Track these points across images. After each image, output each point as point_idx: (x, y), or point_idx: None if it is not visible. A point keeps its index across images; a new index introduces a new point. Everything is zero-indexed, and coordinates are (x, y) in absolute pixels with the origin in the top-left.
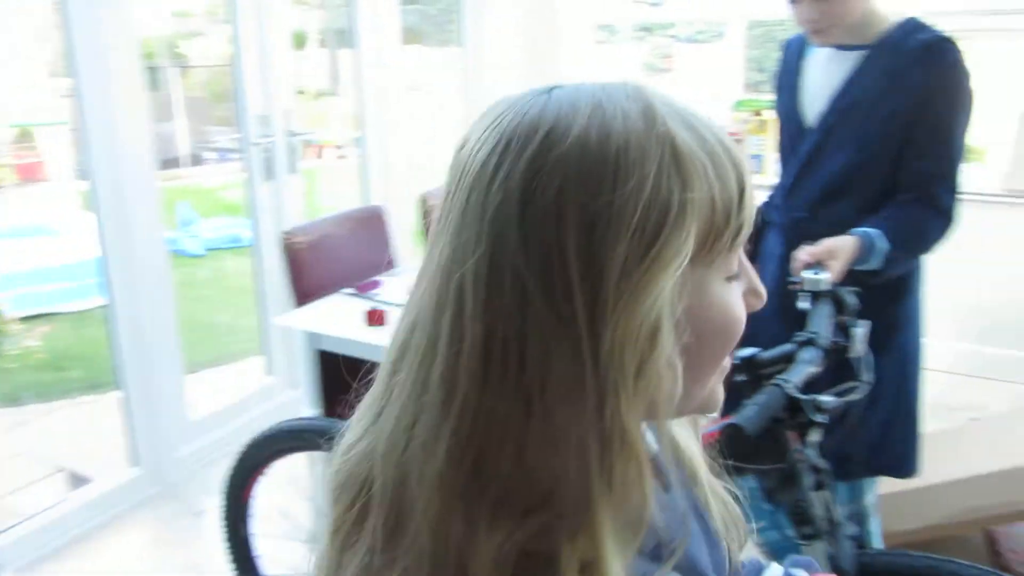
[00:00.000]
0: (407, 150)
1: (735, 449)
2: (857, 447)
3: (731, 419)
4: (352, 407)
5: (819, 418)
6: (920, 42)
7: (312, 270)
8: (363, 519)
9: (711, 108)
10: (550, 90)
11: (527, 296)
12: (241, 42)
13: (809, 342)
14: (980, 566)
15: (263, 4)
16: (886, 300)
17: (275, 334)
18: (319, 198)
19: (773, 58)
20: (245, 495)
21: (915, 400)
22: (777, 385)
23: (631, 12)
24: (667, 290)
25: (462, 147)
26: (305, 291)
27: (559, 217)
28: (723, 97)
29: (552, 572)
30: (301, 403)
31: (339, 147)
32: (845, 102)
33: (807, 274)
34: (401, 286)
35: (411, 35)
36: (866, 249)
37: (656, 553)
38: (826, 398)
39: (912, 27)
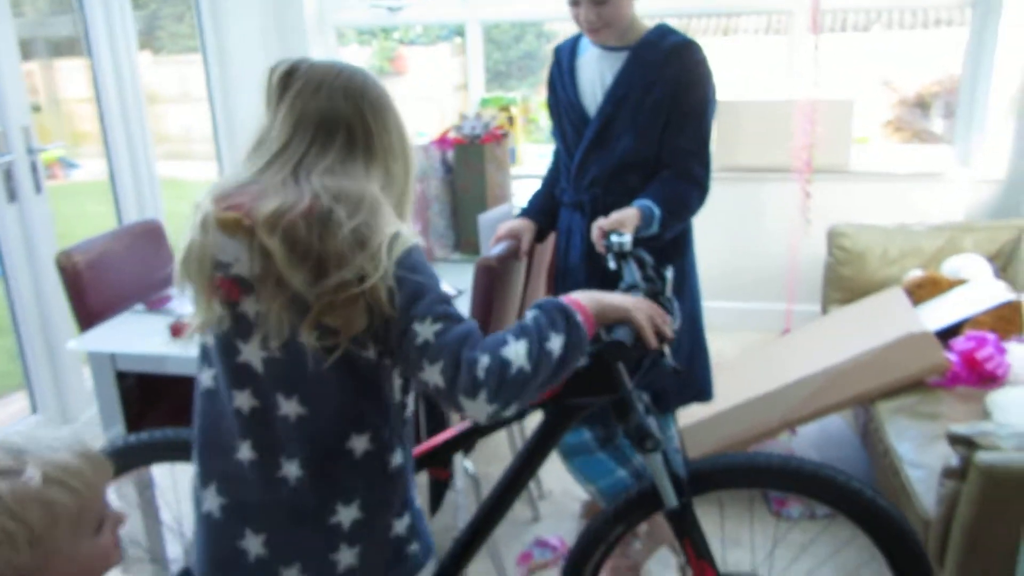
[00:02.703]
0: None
1: (623, 359)
2: (669, 381)
3: (612, 339)
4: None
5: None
6: (671, 43)
7: (95, 290)
8: None
9: (455, 105)
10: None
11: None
12: None
13: (632, 288)
14: (781, 455)
15: None
16: (672, 255)
17: (40, 367)
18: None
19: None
20: None
21: (705, 337)
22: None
23: (364, 15)
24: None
25: (287, 87)
26: (90, 313)
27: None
28: (470, 95)
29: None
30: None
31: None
32: (618, 94)
33: (615, 238)
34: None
35: (141, 42)
36: (646, 217)
37: None
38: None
39: (664, 31)
